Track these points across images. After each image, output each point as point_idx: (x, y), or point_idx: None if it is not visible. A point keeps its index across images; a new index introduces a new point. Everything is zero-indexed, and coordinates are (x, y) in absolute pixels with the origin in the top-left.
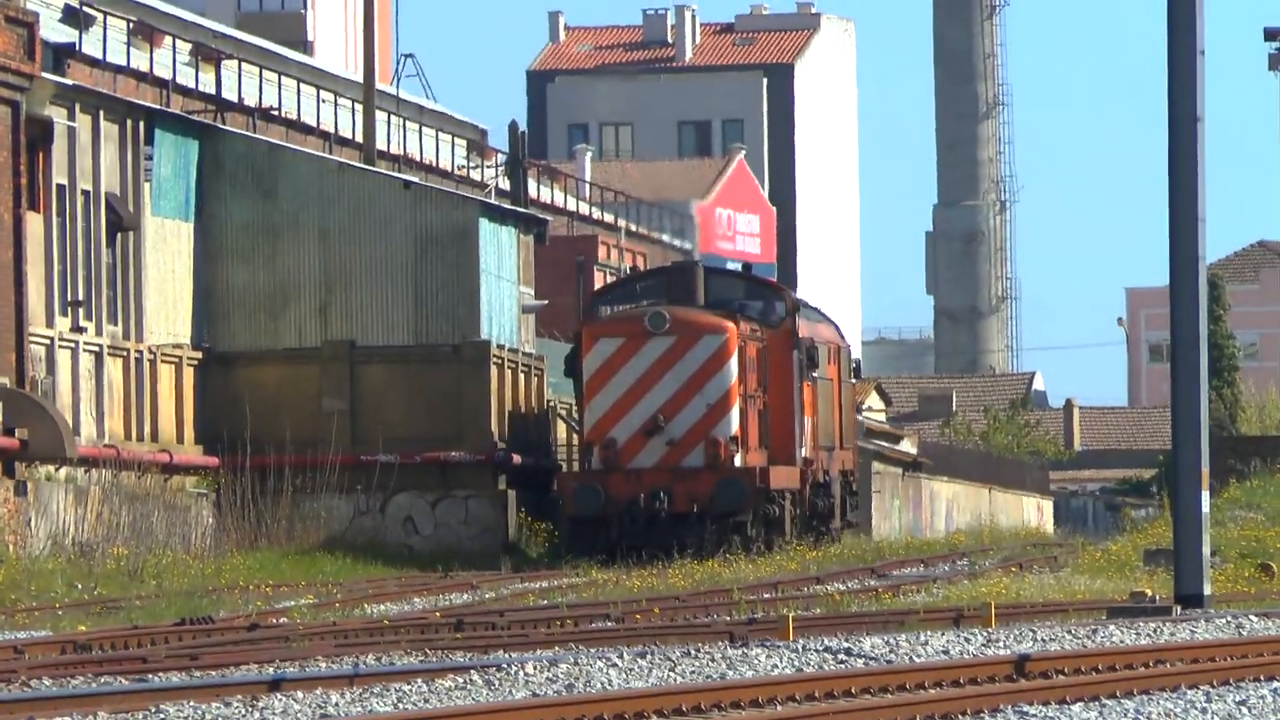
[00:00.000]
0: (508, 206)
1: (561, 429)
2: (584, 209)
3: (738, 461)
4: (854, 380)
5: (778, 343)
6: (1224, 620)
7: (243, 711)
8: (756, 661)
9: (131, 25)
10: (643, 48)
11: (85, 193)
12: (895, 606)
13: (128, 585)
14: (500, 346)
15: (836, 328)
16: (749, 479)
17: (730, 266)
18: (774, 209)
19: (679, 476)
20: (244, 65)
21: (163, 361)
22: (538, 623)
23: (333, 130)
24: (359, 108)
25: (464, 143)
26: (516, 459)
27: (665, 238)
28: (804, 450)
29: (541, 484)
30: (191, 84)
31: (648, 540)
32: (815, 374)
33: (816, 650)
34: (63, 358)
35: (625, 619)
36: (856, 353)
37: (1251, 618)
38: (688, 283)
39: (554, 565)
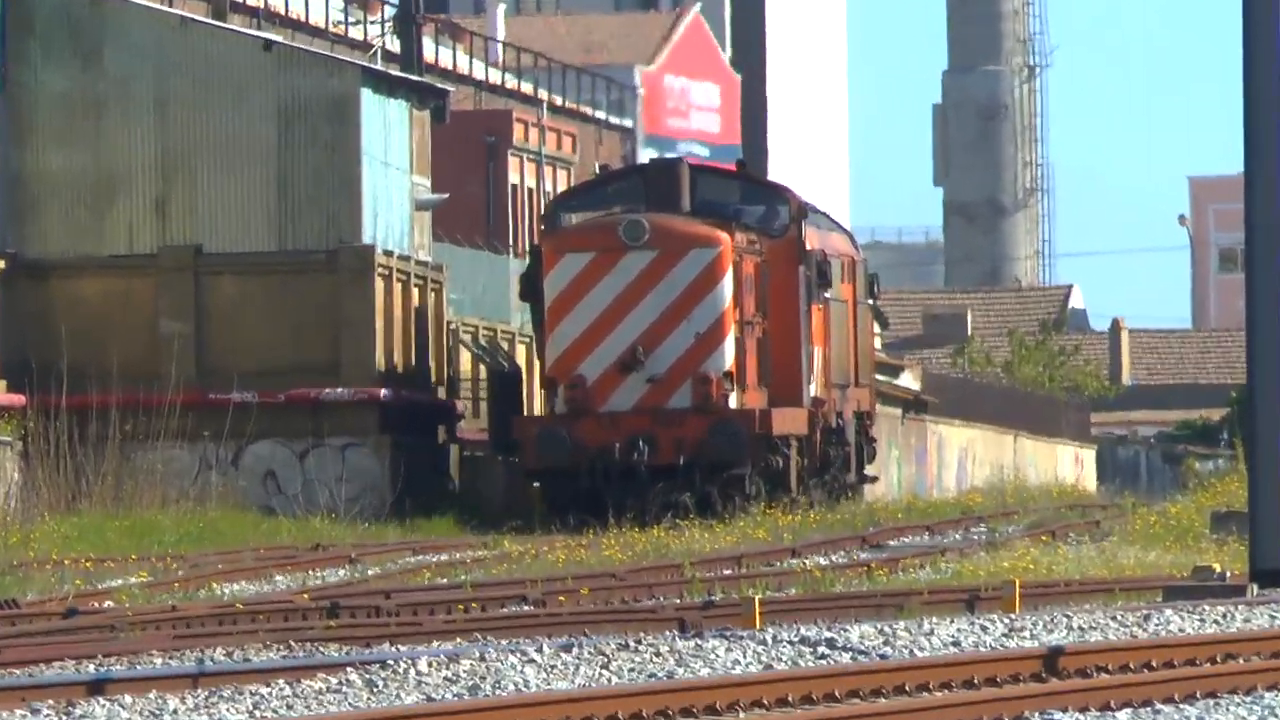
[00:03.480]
0: (397, 73)
1: (465, 359)
2: (495, 77)
3: (733, 402)
4: (871, 300)
5: (780, 256)
6: None
7: None
8: (714, 656)
9: None
10: None
11: None
12: (892, 586)
13: None
14: (388, 253)
15: (851, 237)
16: (747, 423)
17: (683, 148)
18: (738, 77)
19: (662, 421)
20: None
21: None
22: (435, 607)
23: None
24: None
25: None
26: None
27: (600, 114)
28: (813, 388)
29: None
30: None
31: (626, 497)
32: (827, 294)
33: (790, 642)
34: None
35: (546, 602)
36: None
37: None
38: (670, 184)
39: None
